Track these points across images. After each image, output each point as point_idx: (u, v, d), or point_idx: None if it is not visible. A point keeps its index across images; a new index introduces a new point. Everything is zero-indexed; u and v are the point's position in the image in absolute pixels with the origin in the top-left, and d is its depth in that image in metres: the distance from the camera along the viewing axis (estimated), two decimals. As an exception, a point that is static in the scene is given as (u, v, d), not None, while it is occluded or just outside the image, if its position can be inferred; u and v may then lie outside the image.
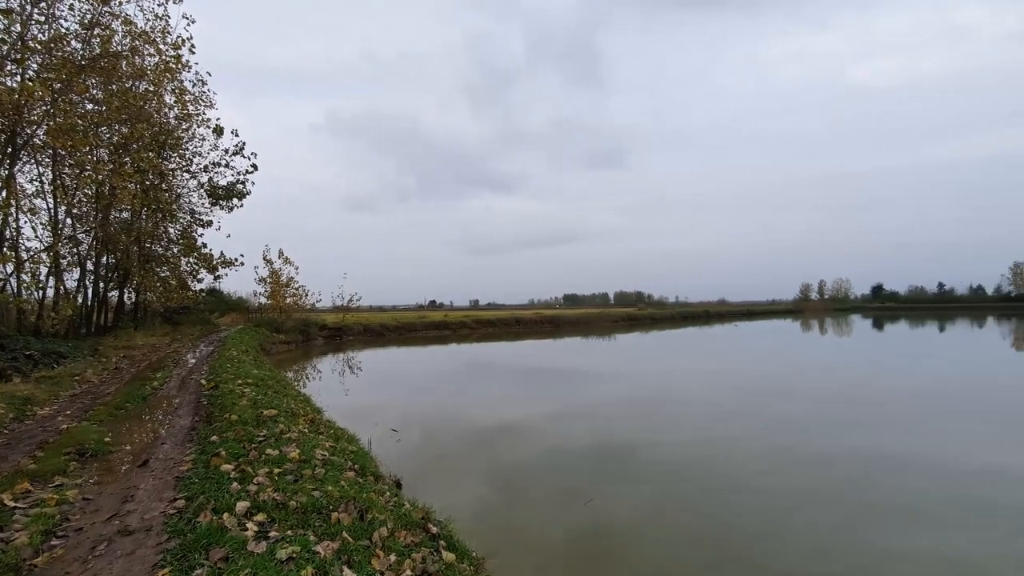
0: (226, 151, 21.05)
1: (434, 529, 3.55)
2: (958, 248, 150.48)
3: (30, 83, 11.78)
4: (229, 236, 22.94)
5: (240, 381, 8.55)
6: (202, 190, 20.97)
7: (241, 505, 3.19)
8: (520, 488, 6.46)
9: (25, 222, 13.84)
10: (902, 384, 14.15)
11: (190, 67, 17.33)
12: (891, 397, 12.18)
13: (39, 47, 12.32)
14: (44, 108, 12.28)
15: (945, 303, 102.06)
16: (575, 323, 49.80)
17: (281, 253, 31.49)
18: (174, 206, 19.80)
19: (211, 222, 21.15)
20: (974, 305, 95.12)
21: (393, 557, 2.91)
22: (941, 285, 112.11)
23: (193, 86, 18.36)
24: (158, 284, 20.10)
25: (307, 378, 16.25)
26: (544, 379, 16.19)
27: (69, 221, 15.26)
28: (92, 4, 13.23)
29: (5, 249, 12.29)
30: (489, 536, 4.98)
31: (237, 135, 20.91)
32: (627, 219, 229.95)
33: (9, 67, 11.98)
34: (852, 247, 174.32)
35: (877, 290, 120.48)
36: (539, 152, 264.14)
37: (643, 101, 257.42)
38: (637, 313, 62.21)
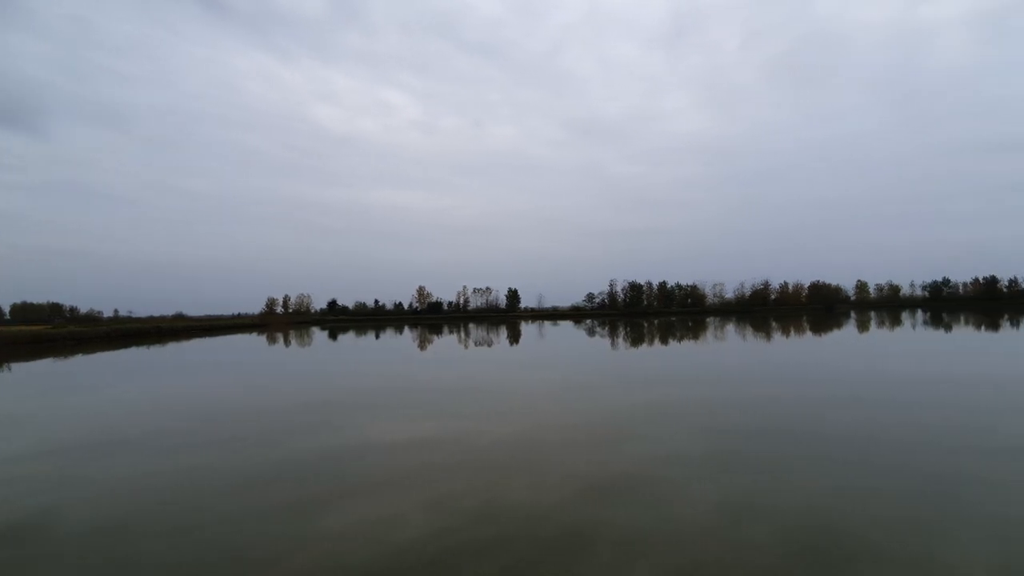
0: None
1: None
2: (394, 270, 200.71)
3: None
4: None
5: None
6: None
7: None
8: None
9: None
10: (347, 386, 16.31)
11: None
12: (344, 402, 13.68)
13: None
14: None
15: (379, 316, 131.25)
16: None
17: None
18: None
19: None
20: (397, 317, 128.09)
21: None
22: (377, 301, 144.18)
23: None
24: None
25: None
26: None
27: None
28: None
29: None
30: None
31: None
32: (37, 206, 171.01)
33: None
34: (314, 267, 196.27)
35: (332, 304, 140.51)
36: None
37: (67, 55, 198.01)
38: (53, 332, 45.86)
